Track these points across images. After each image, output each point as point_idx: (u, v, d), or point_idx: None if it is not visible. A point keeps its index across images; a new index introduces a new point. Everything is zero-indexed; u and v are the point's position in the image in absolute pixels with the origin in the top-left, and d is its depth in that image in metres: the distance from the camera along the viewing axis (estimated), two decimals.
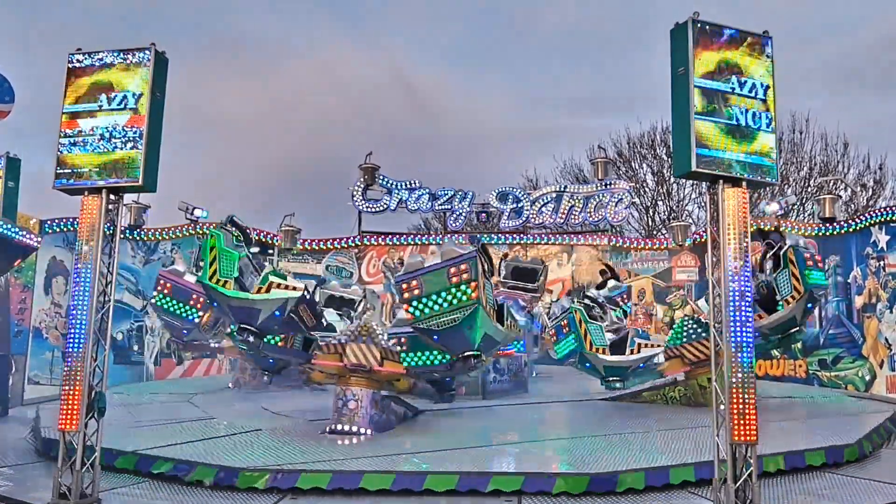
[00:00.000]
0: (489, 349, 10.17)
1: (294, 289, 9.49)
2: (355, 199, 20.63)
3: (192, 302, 13.97)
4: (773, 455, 8.21)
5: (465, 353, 9.73)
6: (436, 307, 9.32)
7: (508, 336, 10.66)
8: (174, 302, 13.97)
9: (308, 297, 9.87)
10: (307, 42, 52.68)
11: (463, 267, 9.25)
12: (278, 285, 9.40)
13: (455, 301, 9.24)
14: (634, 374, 12.37)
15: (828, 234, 16.50)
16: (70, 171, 7.41)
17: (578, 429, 11.18)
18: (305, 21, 51.90)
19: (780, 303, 11.64)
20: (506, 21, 51.86)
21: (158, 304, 14.19)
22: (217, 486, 7.84)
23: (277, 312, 9.46)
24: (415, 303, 9.41)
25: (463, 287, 9.19)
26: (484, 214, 21.30)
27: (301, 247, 20.19)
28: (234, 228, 10.20)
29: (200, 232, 19.18)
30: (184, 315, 14.02)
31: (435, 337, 9.67)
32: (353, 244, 20.88)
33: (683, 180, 24.91)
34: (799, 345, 16.78)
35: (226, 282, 9.30)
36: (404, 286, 9.46)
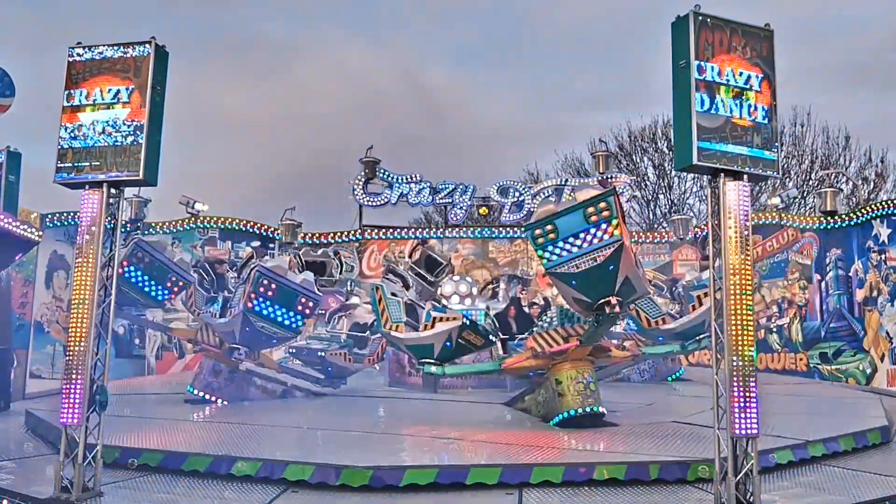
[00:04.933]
0: (629, 296, 9.64)
1: (454, 319, 10.34)
2: (356, 192, 20.63)
3: (299, 307, 11.83)
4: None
5: (602, 301, 9.21)
6: (574, 249, 8.97)
7: (646, 288, 9.99)
8: (277, 307, 11.67)
9: (468, 322, 10.51)
10: (317, 41, 52.71)
11: (602, 205, 8.88)
12: (441, 319, 10.33)
13: (595, 241, 8.86)
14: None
15: (829, 227, 16.49)
16: (70, 165, 7.39)
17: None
18: (316, 20, 51.85)
19: None
20: (515, 20, 51.80)
21: (257, 309, 11.58)
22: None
23: (448, 343, 10.29)
24: (550, 247, 9.08)
25: (603, 226, 8.80)
26: (484, 208, 21.29)
27: (302, 240, 20.21)
28: (394, 276, 12.11)
29: (201, 226, 19.22)
30: (288, 324, 11.85)
31: (573, 282, 9.30)
32: (354, 238, 20.90)
33: (684, 174, 24.90)
34: (800, 338, 16.86)
35: (398, 326, 10.49)
36: (538, 231, 9.16)
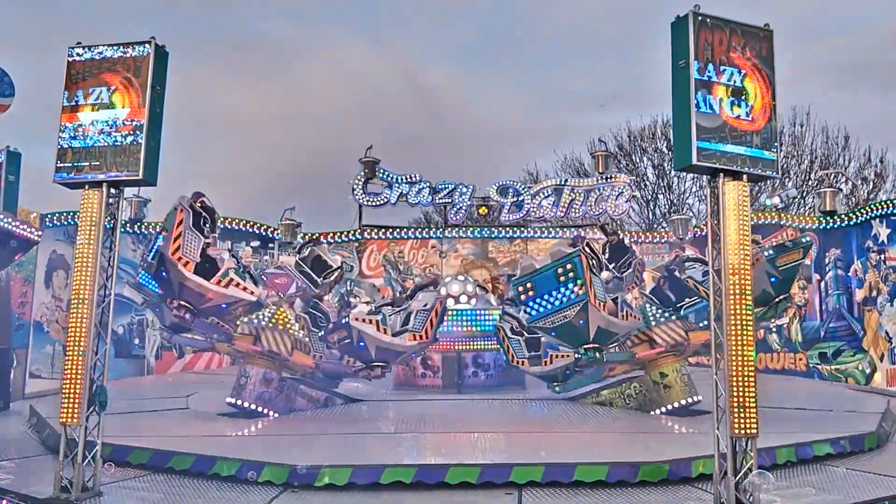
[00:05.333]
0: (606, 341, 10.86)
1: (566, 357, 11.60)
2: (356, 192, 20.63)
3: None
4: None
5: (586, 346, 10.66)
6: (549, 306, 10.47)
7: (628, 327, 11.05)
8: None
9: (579, 355, 11.43)
10: (317, 41, 52.60)
11: (569, 266, 10.33)
12: (556, 356, 11.80)
13: (565, 299, 10.35)
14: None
15: (828, 227, 16.48)
16: (70, 165, 7.40)
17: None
18: (316, 20, 51.79)
19: None
20: (515, 20, 51.76)
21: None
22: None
23: (568, 371, 11.78)
24: (530, 303, 10.65)
25: (570, 285, 10.28)
26: (484, 208, 21.28)
27: (301, 240, 20.19)
28: (509, 317, 12.59)
29: None
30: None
31: (553, 333, 10.85)
32: (354, 238, 20.91)
33: (684, 174, 24.90)
34: (800, 338, 16.85)
35: (524, 361, 12.10)
36: (520, 288, 10.76)
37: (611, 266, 14.72)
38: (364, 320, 11.36)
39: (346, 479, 7.48)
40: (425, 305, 11.94)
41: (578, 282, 10.22)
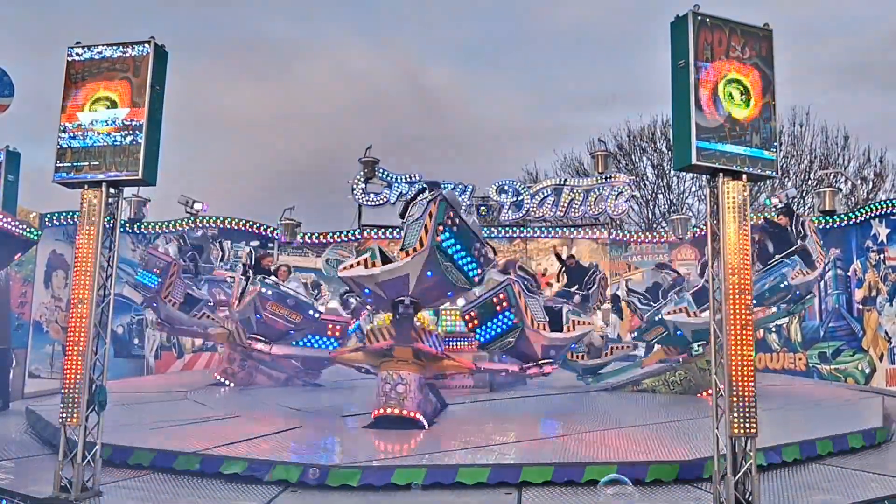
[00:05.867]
0: (559, 356, 11.89)
1: (589, 325, 12.48)
2: (355, 192, 20.63)
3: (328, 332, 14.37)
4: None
5: (534, 363, 11.26)
6: (497, 330, 10.86)
7: (577, 336, 11.91)
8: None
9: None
10: (317, 41, 52.63)
11: (502, 295, 10.72)
12: (579, 323, 12.06)
13: (504, 326, 10.81)
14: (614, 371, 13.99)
15: (828, 227, 16.48)
16: (70, 164, 7.40)
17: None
18: (316, 20, 51.80)
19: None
20: (515, 20, 51.81)
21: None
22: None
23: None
24: (479, 329, 10.92)
25: (507, 313, 10.74)
26: (484, 208, 21.28)
27: (301, 240, 20.22)
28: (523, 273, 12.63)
29: (200, 225, 19.19)
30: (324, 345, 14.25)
31: (503, 356, 11.84)
32: (354, 238, 20.90)
33: (683, 173, 24.89)
34: (799, 338, 16.86)
35: (542, 325, 11.86)
36: (466, 317, 11.04)
37: (573, 288, 15.31)
38: (348, 267, 10.01)
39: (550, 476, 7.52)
40: (416, 216, 9.88)
41: (513, 310, 10.73)
